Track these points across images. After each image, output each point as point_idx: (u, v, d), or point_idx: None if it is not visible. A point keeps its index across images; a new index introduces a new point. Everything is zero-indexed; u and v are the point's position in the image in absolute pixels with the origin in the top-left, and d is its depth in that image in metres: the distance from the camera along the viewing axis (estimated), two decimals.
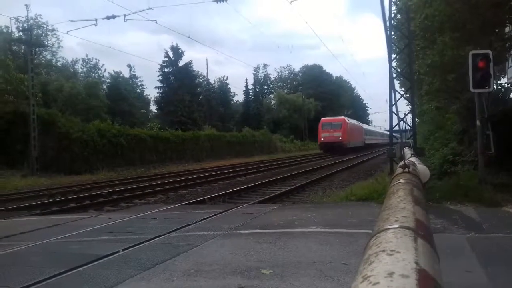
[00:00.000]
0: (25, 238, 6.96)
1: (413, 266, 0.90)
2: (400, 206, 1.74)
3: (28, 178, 20.72)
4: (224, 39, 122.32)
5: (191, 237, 6.41)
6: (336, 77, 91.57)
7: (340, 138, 41.73)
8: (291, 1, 18.70)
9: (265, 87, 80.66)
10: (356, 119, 62.36)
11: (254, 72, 77.75)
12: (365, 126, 61.09)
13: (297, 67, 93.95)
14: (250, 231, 6.69)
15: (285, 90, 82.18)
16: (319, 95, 76.75)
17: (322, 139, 43.37)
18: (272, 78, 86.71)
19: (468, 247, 5.28)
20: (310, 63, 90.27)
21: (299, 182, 15.91)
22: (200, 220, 7.80)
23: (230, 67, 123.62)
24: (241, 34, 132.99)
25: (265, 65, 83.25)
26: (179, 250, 5.59)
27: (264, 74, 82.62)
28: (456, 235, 5.95)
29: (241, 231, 6.72)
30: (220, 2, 18.77)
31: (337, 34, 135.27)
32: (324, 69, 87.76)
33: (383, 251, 1.04)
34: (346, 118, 46.35)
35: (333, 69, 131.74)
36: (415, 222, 1.41)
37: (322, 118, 48.13)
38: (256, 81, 76.07)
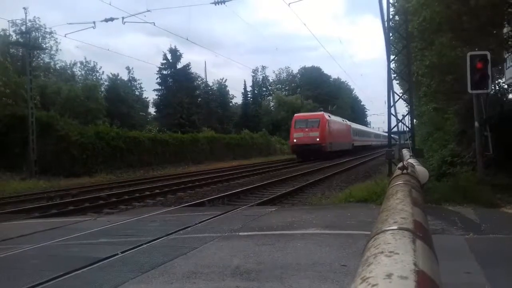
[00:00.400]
0: (24, 241, 6.96)
1: (411, 267, 0.90)
2: (399, 207, 1.74)
3: (27, 181, 20.69)
4: (223, 41, 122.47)
5: (190, 239, 6.41)
6: (335, 78, 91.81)
7: (318, 139, 33.28)
8: (290, 3, 18.68)
9: (264, 89, 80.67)
10: (353, 121, 61.10)
11: (253, 74, 77.70)
12: (354, 125, 51.96)
13: (295, 68, 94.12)
14: (249, 233, 6.69)
15: (284, 92, 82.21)
16: (318, 96, 76.80)
17: (294, 140, 34.64)
18: (271, 80, 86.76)
19: (467, 248, 5.29)
20: (309, 64, 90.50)
21: (298, 184, 15.91)
22: (199, 222, 7.80)
23: (229, 69, 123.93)
24: (239, 36, 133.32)
25: (263, 67, 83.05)
26: (178, 252, 5.59)
27: (263, 76, 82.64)
28: (455, 236, 5.97)
29: (240, 233, 6.73)
30: (218, 4, 18.79)
31: (335, 35, 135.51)
32: (322, 70, 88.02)
33: (382, 252, 1.04)
34: (325, 114, 37.51)
35: (332, 70, 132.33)
36: (414, 224, 1.41)
37: (295, 114, 39.25)
38: (255, 83, 76.07)
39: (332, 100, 79.68)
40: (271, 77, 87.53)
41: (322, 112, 38.13)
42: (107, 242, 6.58)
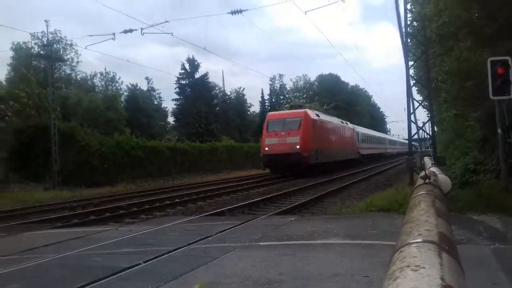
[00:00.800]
0: (48, 250, 7.07)
1: (438, 282, 0.91)
2: (423, 219, 1.74)
3: (50, 191, 21.13)
4: (240, 50, 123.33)
5: (211, 249, 6.42)
6: (352, 85, 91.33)
7: (298, 146, 24.17)
8: (306, 11, 18.80)
9: (281, 97, 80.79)
10: (373, 129, 58.82)
11: (270, 83, 78.12)
12: (360, 128, 42.53)
13: (313, 76, 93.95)
14: (269, 243, 6.68)
15: (301, 100, 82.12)
16: (335, 104, 76.51)
17: (266, 148, 25.26)
18: (288, 88, 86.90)
19: (493, 258, 5.17)
20: (326, 72, 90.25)
21: (318, 193, 15.81)
22: (220, 232, 7.81)
23: (246, 78, 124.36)
24: (256, 45, 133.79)
25: (280, 75, 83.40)
26: (199, 262, 5.61)
27: (280, 84, 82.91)
28: (480, 246, 5.84)
29: (260, 243, 6.72)
30: (235, 14, 19.01)
31: (352, 42, 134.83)
32: (340, 77, 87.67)
33: (408, 266, 1.05)
34: (311, 112, 27.29)
35: (350, 77, 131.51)
36: (439, 236, 1.41)
37: (269, 113, 29.78)
38: (272, 91, 76.42)
39: (350, 107, 79.26)
40: (288, 85, 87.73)
41: (305, 110, 27.48)
42: (129, 252, 6.64)
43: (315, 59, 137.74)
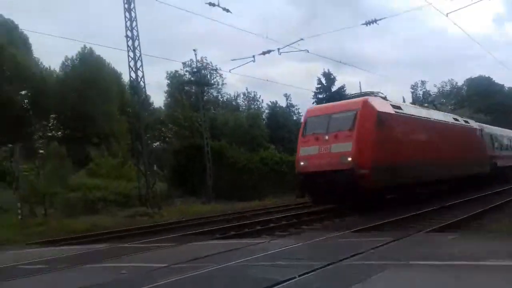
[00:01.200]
0: (209, 261, 7.60)
1: None
2: None
3: (206, 205, 23.21)
4: (376, 59, 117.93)
5: (364, 266, 6.29)
6: (510, 87, 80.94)
7: (350, 159, 14.37)
8: (447, 13, 17.31)
9: (425, 105, 75.70)
10: None
11: (412, 90, 73.94)
12: (495, 129, 29.74)
13: (460, 80, 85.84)
14: (429, 262, 6.25)
15: (449, 107, 75.78)
16: (490, 107, 68.57)
17: (301, 163, 15.91)
18: (433, 95, 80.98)
19: None
20: (474, 74, 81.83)
21: (480, 207, 14.12)
22: (372, 249, 7.58)
23: (385, 87, 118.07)
24: (394, 53, 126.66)
25: (423, 82, 78.23)
26: (353, 279, 5.50)
27: (423, 91, 77.83)
28: None
29: (418, 262, 6.34)
30: (369, 24, 18.53)
31: (502, 39, 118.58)
32: (493, 79, 78.50)
33: None
34: (377, 101, 16.36)
35: (504, 79, 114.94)
36: None
37: (309, 108, 19.30)
38: (415, 99, 71.92)
39: (509, 110, 70.34)
40: (433, 91, 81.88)
41: (365, 98, 16.27)
42: (282, 265, 6.81)
43: (460, 61, 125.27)
